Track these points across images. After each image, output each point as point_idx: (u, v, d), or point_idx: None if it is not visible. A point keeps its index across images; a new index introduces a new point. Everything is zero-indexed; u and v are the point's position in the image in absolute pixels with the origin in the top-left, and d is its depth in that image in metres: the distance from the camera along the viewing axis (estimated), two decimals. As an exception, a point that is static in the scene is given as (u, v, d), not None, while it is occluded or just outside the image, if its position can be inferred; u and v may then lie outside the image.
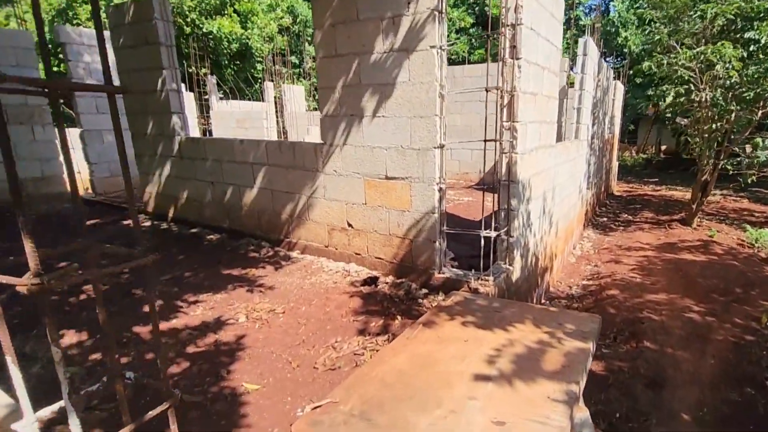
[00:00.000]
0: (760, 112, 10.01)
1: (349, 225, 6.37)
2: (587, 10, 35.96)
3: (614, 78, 15.82)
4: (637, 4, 27.62)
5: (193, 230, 8.44)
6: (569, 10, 21.57)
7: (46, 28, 17.33)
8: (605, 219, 13.32)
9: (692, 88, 10.38)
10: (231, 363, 4.13)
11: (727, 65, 9.36)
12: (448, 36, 5.21)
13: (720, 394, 4.69)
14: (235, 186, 7.73)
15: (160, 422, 1.83)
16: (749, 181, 10.39)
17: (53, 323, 1.54)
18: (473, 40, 29.85)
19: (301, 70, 28.88)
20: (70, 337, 4.51)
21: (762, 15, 9.74)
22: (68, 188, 11.35)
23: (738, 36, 10.12)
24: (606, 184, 16.21)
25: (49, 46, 18.33)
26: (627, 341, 5.81)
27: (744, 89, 9.67)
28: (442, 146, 5.41)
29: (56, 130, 11.53)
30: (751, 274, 8.02)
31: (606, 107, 13.65)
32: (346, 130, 6.05)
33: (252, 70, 25.97)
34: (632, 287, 7.57)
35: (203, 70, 19.19)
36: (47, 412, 2.64)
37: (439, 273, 5.64)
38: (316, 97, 7.80)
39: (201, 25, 22.11)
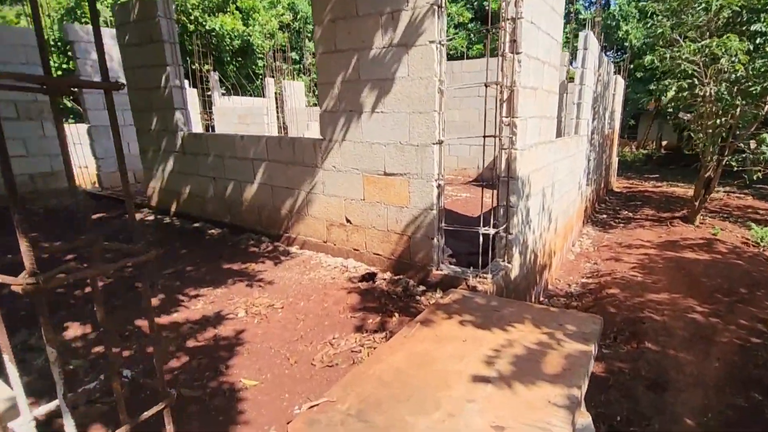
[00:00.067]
0: (767, 107, 9.84)
1: (348, 221, 6.32)
2: (587, 4, 35.86)
3: (615, 72, 15.69)
4: (639, -3, 27.47)
5: (196, 225, 8.45)
6: (569, 4, 21.45)
7: (56, 27, 17.45)
8: (605, 216, 13.17)
9: (696, 82, 10.18)
10: (230, 358, 4.11)
11: (733, 58, 9.15)
12: (446, 31, 5.14)
13: (725, 399, 4.56)
14: (236, 181, 7.72)
15: (159, 419, 1.79)
16: (754, 177, 10.26)
17: (49, 323, 1.49)
18: (472, 35, 29.69)
19: (302, 66, 28.86)
20: (74, 330, 4.51)
21: (769, 7, 9.58)
22: (77, 183, 11.54)
23: (744, 28, 9.94)
24: (606, 180, 16.11)
25: (59, 44, 18.44)
26: (628, 341, 5.71)
27: (750, 83, 9.46)
28: (440, 142, 5.34)
29: (65, 125, 11.55)
30: (756, 274, 7.81)
31: (606, 102, 13.54)
32: (345, 125, 6.00)
33: (253, 67, 25.98)
34: (633, 286, 7.45)
35: (206, 67, 19.21)
36: (44, 410, 2.59)
37: (437, 270, 5.58)
38: (316, 93, 7.79)
39: (204, 23, 22.16)
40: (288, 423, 2.40)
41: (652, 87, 12.02)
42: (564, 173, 8.09)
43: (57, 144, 10.53)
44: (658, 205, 14.67)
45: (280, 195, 7.07)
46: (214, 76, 19.61)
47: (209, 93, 19.16)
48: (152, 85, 8.50)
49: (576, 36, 11.27)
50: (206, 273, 6.12)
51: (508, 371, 2.74)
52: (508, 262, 5.57)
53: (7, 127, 9.76)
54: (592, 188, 12.41)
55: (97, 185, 12.14)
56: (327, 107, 6.12)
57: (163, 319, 4.80)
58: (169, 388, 2.03)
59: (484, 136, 5.19)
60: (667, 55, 10.27)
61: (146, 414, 1.90)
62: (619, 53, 33.11)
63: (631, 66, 23.36)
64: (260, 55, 25.42)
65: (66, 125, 11.73)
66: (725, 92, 9.74)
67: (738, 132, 10.70)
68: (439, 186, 5.44)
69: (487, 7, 29.98)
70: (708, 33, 10.11)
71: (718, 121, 10.30)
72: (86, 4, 20.53)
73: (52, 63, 18.13)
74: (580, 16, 28.58)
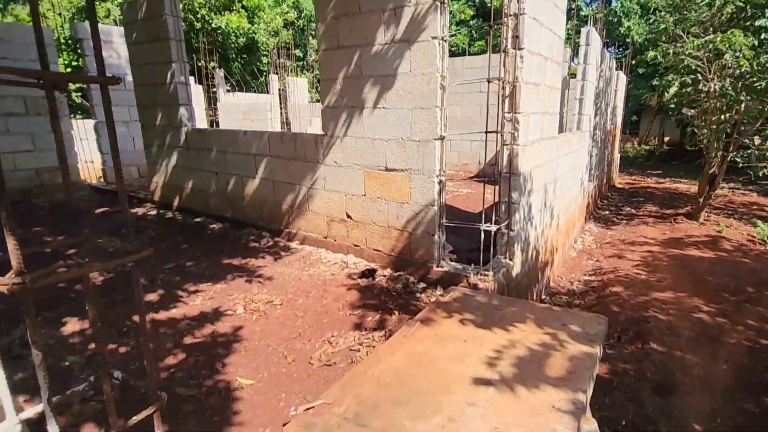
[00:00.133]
0: (772, 102, 9.65)
1: (348, 216, 6.23)
2: (589, 0, 35.78)
3: (617, 68, 15.58)
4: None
5: (198, 219, 8.40)
6: (571, 1, 21.38)
7: (66, 25, 17.52)
8: (607, 212, 13.04)
9: (700, 77, 10.06)
10: (227, 355, 4.01)
11: (738, 54, 9.03)
12: (448, 27, 5.07)
13: (734, 403, 4.42)
14: (238, 176, 7.65)
15: (153, 419, 1.72)
16: (760, 174, 10.15)
17: (36, 323, 1.42)
18: (473, 32, 29.66)
19: (305, 63, 28.89)
20: (72, 325, 4.42)
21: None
22: (82, 177, 11.47)
23: (748, 24, 9.79)
24: (608, 176, 16.02)
25: (69, 41, 18.50)
26: (632, 342, 5.57)
27: (755, 79, 9.31)
28: (442, 138, 5.26)
29: (72, 121, 11.60)
30: (763, 273, 7.64)
31: (608, 98, 13.45)
32: (347, 121, 5.93)
33: (258, 64, 26.10)
34: (636, 284, 7.30)
35: (212, 64, 19.28)
36: (30, 413, 2.51)
37: (438, 267, 5.49)
38: (319, 90, 7.76)
39: (210, 21, 22.27)
40: (284, 425, 2.32)
41: (655, 83, 11.94)
42: (566, 169, 8.00)
43: (64, 139, 10.59)
44: (661, 201, 14.52)
45: (281, 190, 6.99)
46: (220, 73, 19.68)
47: (214, 89, 19.18)
48: (158, 81, 8.49)
49: (578, 32, 11.18)
50: (206, 268, 6.04)
51: (511, 373, 2.65)
52: (510, 260, 5.49)
53: (16, 123, 9.81)
54: (594, 184, 12.32)
55: (102, 180, 12.19)
56: (329, 103, 6.05)
57: (161, 315, 4.71)
58: (160, 392, 1.95)
59: (486, 132, 5.07)
60: (671, 51, 10.12)
61: (136, 418, 1.83)
62: (620, 49, 33.06)
63: (633, 62, 23.26)
64: (265, 53, 25.51)
65: (73, 121, 11.77)
66: (730, 88, 9.62)
67: (743, 128, 10.60)
68: (440, 182, 5.35)
69: (488, 4, 29.89)
70: (711, 28, 9.99)
71: (722, 116, 10.20)
72: (97, 3, 20.60)
73: (62, 61, 18.20)
74: (582, 13, 28.52)
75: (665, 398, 4.51)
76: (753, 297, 6.71)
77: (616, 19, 29.68)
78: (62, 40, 18.63)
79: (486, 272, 5.06)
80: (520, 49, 4.89)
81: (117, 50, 11.34)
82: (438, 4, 4.88)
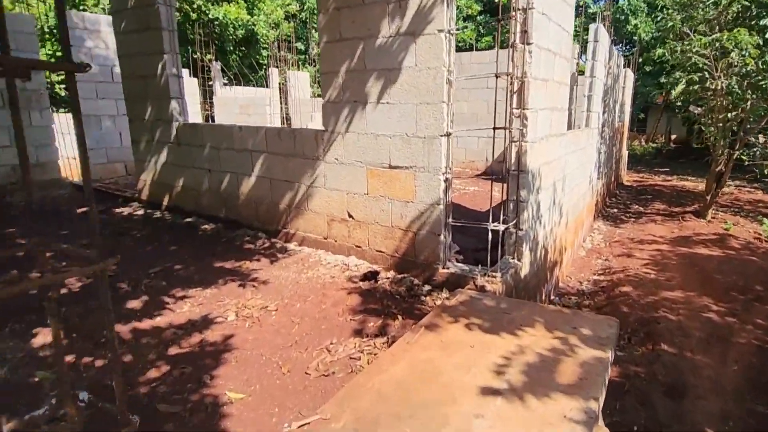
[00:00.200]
0: (778, 101, 9.82)
1: (350, 216, 6.10)
2: (596, -2, 35.86)
3: (624, 66, 15.68)
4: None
5: (188, 219, 8.16)
6: (579, -3, 21.42)
7: (51, 13, 17.27)
8: (616, 210, 13.13)
9: (706, 75, 10.23)
10: (216, 367, 3.82)
11: (744, 52, 9.24)
12: (455, 22, 4.97)
13: (745, 405, 4.42)
14: (232, 174, 7.48)
15: None
16: (765, 172, 10.42)
17: None
18: (481, 27, 29.71)
19: (307, 57, 28.79)
20: (44, 336, 4.18)
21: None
22: (63, 174, 11.24)
23: (753, 23, 10.02)
24: (616, 173, 16.06)
25: (54, 31, 18.23)
26: (643, 343, 5.58)
27: (760, 77, 9.45)
28: (449, 134, 5.15)
29: (54, 115, 11.40)
30: (771, 271, 7.70)
31: (616, 95, 13.52)
32: (349, 116, 5.81)
33: (257, 56, 25.84)
34: (646, 283, 7.33)
35: (208, 56, 19.05)
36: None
37: (444, 268, 5.37)
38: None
39: (207, 12, 21.93)
40: (275, 444, 2.19)
41: (662, 80, 12.12)
42: (574, 166, 7.96)
43: (43, 134, 10.32)
44: (669, 199, 14.66)
45: (279, 188, 6.85)
46: (216, 66, 19.44)
47: (210, 83, 18.97)
48: (148, 73, 8.28)
49: (586, 29, 11.32)
50: (195, 272, 5.84)
51: (520, 382, 2.61)
52: (518, 260, 5.40)
53: (-8, 116, 9.51)
54: (603, 182, 12.36)
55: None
56: (330, 97, 5.93)
57: (145, 324, 4.50)
58: (132, 415, 1.81)
59: (494, 128, 5.01)
60: (678, 49, 10.41)
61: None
62: (628, 47, 33.19)
63: (640, 59, 23.31)
64: (264, 45, 25.24)
65: (55, 115, 11.53)
66: (736, 86, 9.82)
67: (749, 126, 10.75)
68: (446, 180, 5.24)
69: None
70: (718, 27, 10.29)
71: (728, 114, 10.38)
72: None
73: (46, 51, 17.96)
74: (590, 10, 28.64)
75: (677, 401, 4.51)
76: (762, 295, 6.77)
77: (623, 17, 29.93)
78: (46, 30, 18.42)
79: (494, 273, 4.95)
80: (528, 44, 4.85)
81: (105, 40, 11.13)
82: (445, -5, 4.80)
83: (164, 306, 4.88)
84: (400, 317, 4.61)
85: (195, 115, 15.91)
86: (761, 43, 9.51)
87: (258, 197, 7.19)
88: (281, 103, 19.70)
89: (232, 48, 24.16)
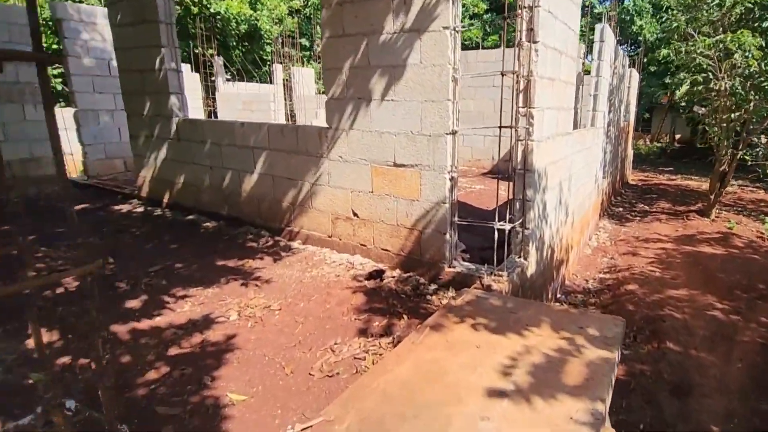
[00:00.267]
0: (780, 102, 9.94)
1: (355, 214, 6.08)
2: (602, -2, 35.92)
3: (629, 66, 15.69)
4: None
5: (190, 217, 8.11)
6: (585, -3, 21.44)
7: (47, 5, 17.14)
8: (621, 209, 13.21)
9: (711, 76, 10.37)
10: (217, 368, 3.77)
11: (747, 53, 9.33)
12: (461, 22, 4.94)
13: (750, 404, 4.44)
14: (234, 171, 7.44)
15: None
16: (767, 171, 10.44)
17: None
18: (487, 26, 29.68)
19: (311, 53, 28.66)
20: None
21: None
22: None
23: (756, 25, 10.21)
24: (621, 173, 16.12)
25: (50, 23, 18.09)
26: (648, 341, 5.61)
27: (763, 79, 9.61)
28: (454, 132, 5.12)
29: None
30: (774, 270, 7.76)
31: (621, 95, 13.55)
32: (353, 113, 5.77)
33: (261, 52, 25.66)
34: (651, 282, 7.36)
35: (210, 51, 18.96)
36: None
37: (450, 267, 5.34)
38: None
39: (209, 5, 21.70)
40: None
41: (667, 80, 12.25)
42: (580, 166, 7.96)
43: (38, 129, 10.28)
44: (674, 198, 14.78)
45: (281, 186, 6.81)
46: (219, 61, 19.35)
47: (213, 78, 18.86)
48: (146, 67, 8.19)
49: (591, 29, 11.42)
50: (197, 270, 5.79)
51: (526, 383, 2.60)
52: (525, 259, 5.39)
53: (-17, 111, 9.44)
54: (608, 181, 12.41)
55: (83, 173, 11.69)
56: (334, 94, 5.89)
57: (144, 324, 4.45)
58: (120, 425, 1.79)
59: (500, 127, 4.98)
60: (683, 49, 10.59)
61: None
62: (633, 47, 33.26)
63: (645, 60, 23.37)
64: (268, 41, 25.04)
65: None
66: (739, 87, 9.95)
67: (752, 126, 10.89)
68: (452, 178, 5.22)
69: (502, -2, 30.05)
70: (722, 28, 10.49)
71: (732, 115, 10.55)
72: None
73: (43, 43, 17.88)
74: (595, 10, 28.72)
75: (682, 400, 4.53)
76: (765, 294, 6.84)
77: (628, 18, 29.94)
78: (43, 22, 18.29)
79: (500, 272, 4.94)
80: (534, 42, 4.84)
81: (101, 33, 10.88)
82: (450, -9, 4.78)
83: (164, 305, 4.83)
84: (405, 316, 4.59)
85: (197, 111, 15.82)
86: (764, 44, 9.62)
87: (260, 194, 7.16)
88: (285, 99, 19.64)
89: (234, 43, 23.97)
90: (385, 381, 2.62)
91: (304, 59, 26.70)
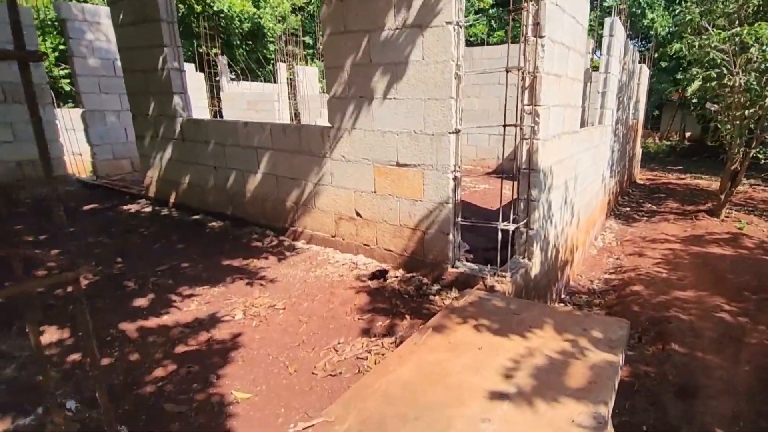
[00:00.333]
0: (797, 99, 9.69)
1: (358, 214, 6.09)
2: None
3: (639, 61, 15.53)
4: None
5: (196, 217, 8.18)
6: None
7: (50, 6, 17.07)
8: (628, 209, 13.09)
9: (724, 71, 10.11)
10: (222, 366, 3.84)
11: (764, 47, 9.10)
12: (466, 17, 4.90)
13: (756, 406, 4.41)
14: (238, 171, 7.47)
15: None
16: None
17: None
18: (492, 21, 29.54)
19: (315, 51, 28.59)
20: (50, 335, 4.22)
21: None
22: (70, 171, 11.21)
23: None
24: (629, 171, 15.99)
25: (56, 23, 18.14)
26: (653, 342, 5.58)
27: None
28: (457, 131, 5.09)
29: (59, 110, 11.36)
30: (785, 271, 7.67)
31: (631, 91, 13.40)
32: (355, 112, 5.76)
33: (264, 51, 25.61)
34: (657, 283, 7.31)
35: (213, 50, 18.94)
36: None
37: (453, 267, 5.35)
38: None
39: (212, 3, 21.68)
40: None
41: (679, 76, 12.06)
42: (587, 165, 7.90)
43: (47, 129, 10.21)
44: (683, 197, 14.61)
45: (285, 186, 6.83)
46: (223, 60, 19.35)
47: (217, 78, 18.87)
48: (149, 67, 8.23)
49: (601, 24, 11.24)
50: (203, 270, 5.86)
51: (528, 385, 2.61)
52: (529, 260, 5.37)
53: (-6, 110, 9.51)
54: (616, 180, 12.31)
55: (92, 174, 11.79)
56: (335, 93, 5.88)
57: (151, 322, 4.53)
58: (120, 426, 1.81)
59: (505, 125, 4.93)
60: (696, 44, 10.25)
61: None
62: (643, 42, 32.95)
63: (656, 55, 23.19)
64: (271, 39, 25.02)
65: (59, 110, 11.46)
66: (754, 82, 9.70)
67: (766, 123, 10.61)
68: (455, 178, 5.20)
69: (508, -9, 29.88)
70: (737, 21, 10.13)
71: (746, 112, 10.24)
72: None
73: (48, 44, 17.85)
74: (605, 4, 28.44)
75: (687, 401, 4.51)
76: None
77: (639, 11, 29.54)
78: (48, 22, 18.26)
79: (503, 273, 4.93)
80: (541, 37, 4.74)
81: (105, 33, 10.92)
82: (453, -14, 4.73)
83: (171, 304, 4.90)
84: (408, 317, 4.61)
85: (203, 111, 15.85)
86: (781, 38, 9.40)
87: (264, 195, 7.18)
88: (290, 98, 19.63)
89: (238, 42, 23.96)
90: (387, 382, 2.63)
91: (308, 57, 26.62)
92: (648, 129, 32.26)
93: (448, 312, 3.52)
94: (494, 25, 30.08)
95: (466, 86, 5.07)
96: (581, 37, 6.37)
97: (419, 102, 5.19)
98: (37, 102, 1.21)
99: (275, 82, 20.30)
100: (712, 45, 9.82)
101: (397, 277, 5.59)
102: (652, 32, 28.71)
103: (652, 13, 28.92)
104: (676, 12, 13.21)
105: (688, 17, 10.78)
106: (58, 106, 12.89)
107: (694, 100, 12.66)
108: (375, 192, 5.83)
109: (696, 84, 10.59)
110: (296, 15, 26.37)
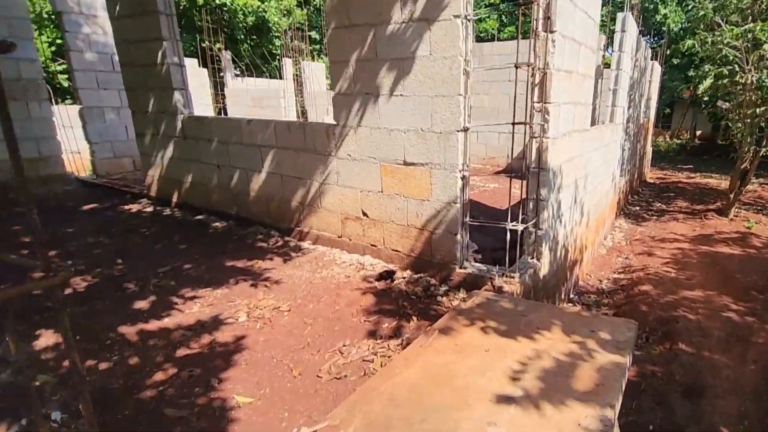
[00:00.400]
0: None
1: (364, 214, 6.07)
2: (625, -14, 35.54)
3: (651, 58, 15.51)
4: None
5: (199, 217, 8.14)
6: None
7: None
8: (638, 208, 13.12)
9: (736, 69, 10.07)
10: (225, 369, 3.81)
11: None
12: (475, 11, 4.85)
13: (763, 406, 4.43)
14: (242, 170, 7.43)
15: None
16: None
17: None
18: (503, 16, 29.43)
19: (322, 46, 28.44)
20: (47, 338, 4.20)
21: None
22: (69, 170, 11.15)
23: None
24: (639, 170, 15.98)
25: (53, 17, 18.10)
26: (661, 342, 5.59)
27: None
28: (466, 129, 5.05)
29: (56, 107, 11.32)
30: (793, 271, 7.69)
31: (642, 89, 13.37)
32: (361, 109, 5.72)
33: (270, 46, 25.42)
34: (666, 282, 7.32)
35: (217, 45, 18.84)
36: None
37: (461, 268, 5.34)
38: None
39: (215, -4, 21.61)
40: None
41: (691, 74, 12.03)
42: (597, 164, 7.87)
43: (44, 127, 10.25)
44: (692, 196, 14.67)
45: (290, 185, 6.81)
46: (227, 55, 19.21)
47: (222, 74, 18.81)
48: (148, 62, 8.13)
49: (613, 19, 11.21)
50: (206, 271, 5.84)
51: (535, 388, 2.60)
52: (537, 260, 5.36)
53: (-13, 108, 9.46)
54: (626, 179, 12.30)
55: (92, 172, 11.67)
56: (341, 89, 5.83)
57: (152, 325, 4.50)
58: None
59: (514, 123, 4.90)
60: (709, 40, 10.21)
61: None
62: (656, 39, 32.82)
63: (668, 52, 23.10)
64: (277, 34, 24.80)
65: (55, 107, 11.39)
66: (766, 80, 9.67)
67: None
68: (463, 177, 5.17)
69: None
70: (751, 17, 10.04)
71: (757, 110, 10.21)
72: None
73: (45, 38, 17.79)
74: (617, -1, 28.36)
75: (694, 401, 4.52)
76: None
77: (652, 6, 29.37)
78: (45, 15, 18.19)
79: (512, 274, 4.91)
80: (551, 32, 4.69)
81: (103, 26, 10.82)
82: (461, -23, 4.68)
83: (173, 306, 4.88)
84: (415, 318, 4.60)
85: (207, 108, 15.77)
86: (795, 35, 9.31)
87: (269, 194, 7.16)
88: (296, 95, 19.54)
89: (242, 36, 23.77)
90: (393, 384, 2.63)
91: (314, 53, 26.48)
92: (659, 127, 32.23)
93: (455, 314, 3.51)
94: (505, 20, 29.96)
95: (475, 83, 5.04)
96: (593, 33, 6.31)
97: (426, 99, 5.14)
98: (19, 97, 1.18)
99: (281, 78, 20.13)
100: (725, 41, 9.78)
101: (404, 278, 5.57)
102: (664, 28, 28.55)
103: (665, 8, 28.75)
104: (689, 7, 13.09)
105: (701, 13, 10.67)
106: (56, 103, 12.84)
107: (706, 98, 12.63)
108: (382, 191, 5.81)
109: (708, 81, 10.56)
110: (302, 9, 26.15)
